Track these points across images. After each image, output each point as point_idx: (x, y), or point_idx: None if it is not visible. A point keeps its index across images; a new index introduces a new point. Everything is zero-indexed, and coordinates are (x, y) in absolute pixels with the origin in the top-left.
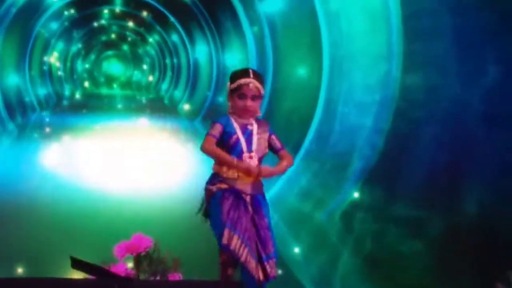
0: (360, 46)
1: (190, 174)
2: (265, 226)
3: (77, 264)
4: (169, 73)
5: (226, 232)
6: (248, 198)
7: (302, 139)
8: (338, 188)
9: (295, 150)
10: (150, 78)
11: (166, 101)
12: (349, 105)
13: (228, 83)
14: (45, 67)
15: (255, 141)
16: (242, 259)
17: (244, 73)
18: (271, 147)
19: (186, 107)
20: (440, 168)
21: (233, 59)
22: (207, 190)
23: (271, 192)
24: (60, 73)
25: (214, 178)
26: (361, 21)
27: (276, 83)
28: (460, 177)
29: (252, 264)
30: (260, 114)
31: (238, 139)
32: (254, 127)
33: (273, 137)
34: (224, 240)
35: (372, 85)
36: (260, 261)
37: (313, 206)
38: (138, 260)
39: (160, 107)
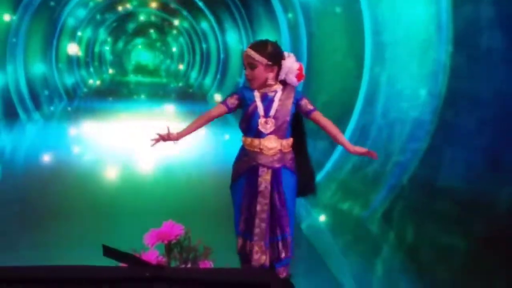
0: (405, 33)
1: (221, 160)
2: (282, 204)
3: (108, 252)
4: (198, 61)
5: (239, 240)
6: (269, 172)
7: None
8: (379, 182)
9: (333, 142)
10: (180, 66)
11: (195, 89)
12: (392, 96)
13: None
14: (72, 56)
15: (274, 107)
16: (255, 263)
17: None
18: (302, 111)
19: (217, 97)
20: (484, 162)
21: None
22: (233, 166)
23: None
24: (87, 61)
25: (241, 150)
26: (405, 4)
27: (311, 73)
28: (505, 172)
29: (263, 260)
30: (269, 81)
31: (256, 106)
32: (277, 94)
33: (303, 100)
34: (238, 249)
35: (418, 74)
36: (271, 241)
37: (352, 200)
38: (169, 248)
39: (189, 94)
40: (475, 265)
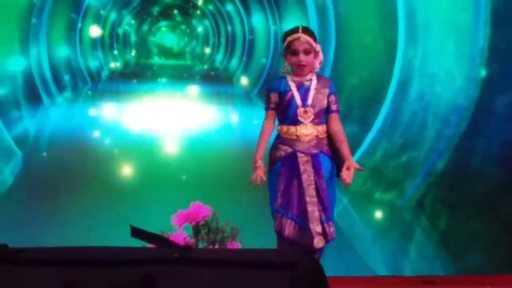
0: (440, 14)
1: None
2: (323, 187)
3: (136, 232)
4: (223, 44)
5: (278, 218)
6: (308, 158)
7: (371, 117)
8: (413, 170)
9: (364, 128)
10: (206, 49)
11: (220, 72)
12: (426, 81)
13: (282, 44)
14: (96, 39)
15: (311, 96)
16: (297, 240)
17: (293, 29)
18: (326, 105)
19: (243, 80)
20: None
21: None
22: (269, 153)
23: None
24: (112, 44)
25: (277, 138)
26: None
27: (340, 56)
28: None
29: (306, 240)
30: (318, 69)
31: (292, 95)
32: (313, 83)
33: (333, 97)
34: (277, 228)
35: (454, 57)
36: (321, 223)
37: (385, 188)
38: (196, 229)
39: (214, 77)
40: (509, 250)
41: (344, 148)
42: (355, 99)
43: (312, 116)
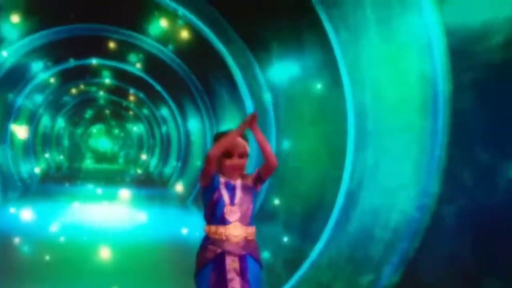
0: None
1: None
2: None
3: None
4: (158, 149)
5: None
6: (236, 260)
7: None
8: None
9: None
10: (143, 156)
11: (155, 177)
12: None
13: (213, 144)
14: (28, 141)
15: (238, 195)
16: None
17: (228, 133)
18: (258, 175)
19: (179, 187)
20: None
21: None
22: (197, 255)
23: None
24: (44, 148)
25: (205, 240)
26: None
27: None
28: None
29: None
30: (245, 172)
31: (221, 195)
32: (238, 182)
33: (256, 171)
34: None
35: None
36: None
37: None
38: None
39: (149, 181)
40: None
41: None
42: (298, 208)
43: (239, 214)
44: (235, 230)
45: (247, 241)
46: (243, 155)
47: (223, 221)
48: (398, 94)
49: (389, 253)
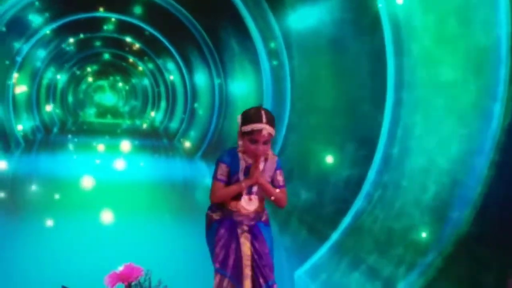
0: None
1: (185, 199)
2: (264, 253)
3: None
4: (163, 104)
5: (216, 277)
6: (245, 227)
7: None
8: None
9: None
10: (151, 114)
11: (161, 132)
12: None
13: (240, 121)
14: (32, 97)
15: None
16: None
17: (257, 117)
18: (272, 181)
19: (187, 144)
20: None
21: (239, 87)
22: (207, 216)
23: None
24: (49, 103)
25: (214, 206)
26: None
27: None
28: None
29: None
30: (270, 153)
31: (239, 179)
32: (260, 167)
33: (278, 172)
34: (215, 286)
35: None
36: None
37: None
38: None
39: (155, 134)
40: None
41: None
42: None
43: (257, 204)
44: (247, 204)
45: (257, 213)
46: (268, 142)
47: (236, 198)
48: None
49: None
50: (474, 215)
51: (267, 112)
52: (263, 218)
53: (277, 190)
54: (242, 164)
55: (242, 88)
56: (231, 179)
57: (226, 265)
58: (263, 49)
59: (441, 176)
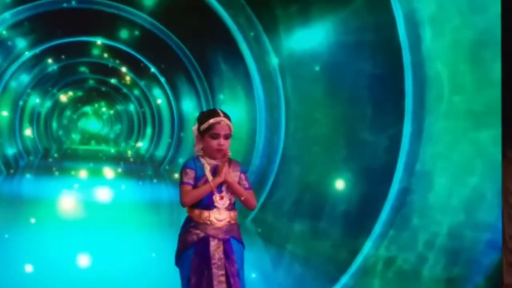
0: None
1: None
2: (234, 273)
3: None
4: (149, 132)
5: None
6: (219, 244)
7: None
8: None
9: None
10: (139, 144)
11: (146, 161)
12: None
13: (196, 126)
14: (15, 123)
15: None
16: None
17: (213, 112)
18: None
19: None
20: None
21: (230, 114)
22: (180, 237)
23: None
24: (32, 130)
25: (188, 222)
26: None
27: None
28: None
29: None
30: (230, 154)
31: (207, 181)
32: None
33: (242, 176)
34: None
35: None
36: None
37: None
38: None
39: (140, 161)
40: None
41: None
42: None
43: (228, 202)
44: (220, 215)
45: (230, 225)
46: (228, 136)
47: (208, 207)
48: None
49: None
50: None
51: (222, 110)
52: (236, 234)
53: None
54: (207, 167)
55: (234, 115)
56: (197, 183)
57: None
58: (256, 74)
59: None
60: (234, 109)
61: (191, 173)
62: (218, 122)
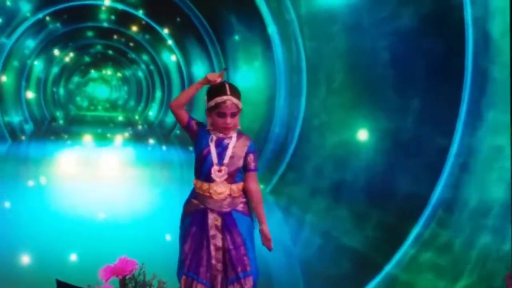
0: None
1: (176, 192)
2: (239, 244)
3: (63, 287)
4: (158, 96)
5: (187, 283)
6: (218, 218)
7: None
8: None
9: None
10: (150, 113)
11: (155, 127)
12: None
13: (206, 99)
14: (20, 90)
15: (228, 155)
16: None
17: (221, 89)
18: (244, 163)
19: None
20: None
21: (245, 80)
22: (183, 208)
23: None
24: (38, 96)
25: (192, 193)
26: None
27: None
28: None
29: None
30: (240, 127)
31: (209, 152)
32: (232, 141)
33: (251, 155)
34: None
35: None
36: (227, 285)
37: None
38: (123, 283)
39: (149, 127)
40: None
41: (260, 210)
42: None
43: (226, 176)
44: (219, 188)
45: (232, 198)
46: (236, 114)
47: (208, 179)
48: None
49: None
50: None
51: (231, 85)
52: (239, 206)
53: (251, 173)
54: (212, 139)
55: (249, 80)
56: (201, 153)
57: (198, 269)
58: (276, 34)
59: None
60: (250, 74)
61: (195, 124)
62: (224, 102)
